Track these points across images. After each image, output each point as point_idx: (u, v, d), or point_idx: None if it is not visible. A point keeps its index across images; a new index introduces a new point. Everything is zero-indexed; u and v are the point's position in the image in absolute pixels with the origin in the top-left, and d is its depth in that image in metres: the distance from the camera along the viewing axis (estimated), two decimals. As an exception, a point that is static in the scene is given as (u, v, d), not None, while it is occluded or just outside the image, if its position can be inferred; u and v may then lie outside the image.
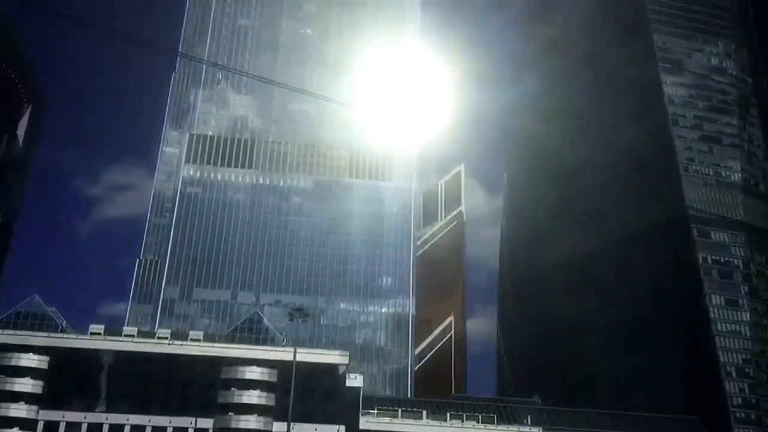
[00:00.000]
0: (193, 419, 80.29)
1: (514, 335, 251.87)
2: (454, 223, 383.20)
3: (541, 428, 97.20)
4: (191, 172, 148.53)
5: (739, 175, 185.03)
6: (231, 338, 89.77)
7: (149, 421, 79.83)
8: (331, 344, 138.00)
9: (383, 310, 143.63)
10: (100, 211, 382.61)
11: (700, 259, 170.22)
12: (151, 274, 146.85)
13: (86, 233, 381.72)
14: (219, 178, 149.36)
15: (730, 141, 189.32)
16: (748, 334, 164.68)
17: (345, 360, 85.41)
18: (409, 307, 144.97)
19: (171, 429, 79.69)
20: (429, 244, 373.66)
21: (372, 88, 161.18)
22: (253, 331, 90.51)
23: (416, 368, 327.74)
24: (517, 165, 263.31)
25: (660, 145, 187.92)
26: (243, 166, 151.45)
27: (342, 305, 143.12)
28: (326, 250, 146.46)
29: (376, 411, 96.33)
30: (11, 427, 77.08)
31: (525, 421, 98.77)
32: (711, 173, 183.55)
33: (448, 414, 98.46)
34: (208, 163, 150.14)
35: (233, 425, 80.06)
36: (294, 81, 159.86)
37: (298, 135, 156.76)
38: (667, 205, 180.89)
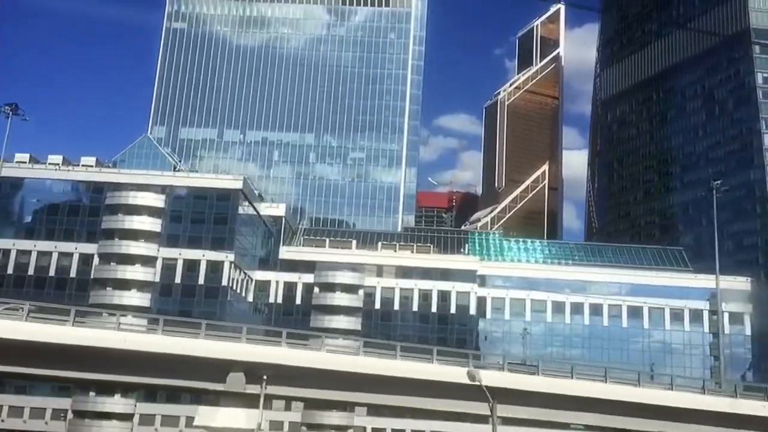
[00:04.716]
0: (78, 244, 78.23)
1: (602, 179, 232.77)
2: (551, 67, 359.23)
3: (478, 257, 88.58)
4: (175, 7, 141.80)
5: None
6: (121, 163, 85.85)
7: (35, 246, 78.70)
8: (315, 179, 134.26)
9: (376, 146, 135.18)
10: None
11: (760, 80, 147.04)
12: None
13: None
14: (205, 11, 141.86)
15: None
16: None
17: (238, 185, 79.47)
18: (404, 141, 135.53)
19: (56, 254, 78.48)
20: (522, 91, 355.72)
21: None
22: (142, 156, 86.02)
23: (510, 213, 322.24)
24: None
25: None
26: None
27: (332, 141, 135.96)
28: (316, 84, 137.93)
29: (303, 240, 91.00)
30: None
31: (463, 250, 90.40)
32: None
33: (379, 244, 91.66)
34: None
35: (116, 250, 77.38)
36: None
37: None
38: (729, 19, 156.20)
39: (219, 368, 32.75)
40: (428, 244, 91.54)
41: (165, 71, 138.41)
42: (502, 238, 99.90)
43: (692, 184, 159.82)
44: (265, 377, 32.67)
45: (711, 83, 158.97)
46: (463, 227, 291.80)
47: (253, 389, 33.03)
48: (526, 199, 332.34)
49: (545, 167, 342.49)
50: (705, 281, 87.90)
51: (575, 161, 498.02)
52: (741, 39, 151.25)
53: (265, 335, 36.94)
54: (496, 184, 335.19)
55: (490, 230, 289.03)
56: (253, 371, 32.49)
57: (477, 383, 31.64)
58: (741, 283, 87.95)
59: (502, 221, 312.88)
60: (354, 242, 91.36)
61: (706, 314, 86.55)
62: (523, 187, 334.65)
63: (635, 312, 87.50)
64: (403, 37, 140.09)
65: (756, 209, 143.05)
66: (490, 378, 33.52)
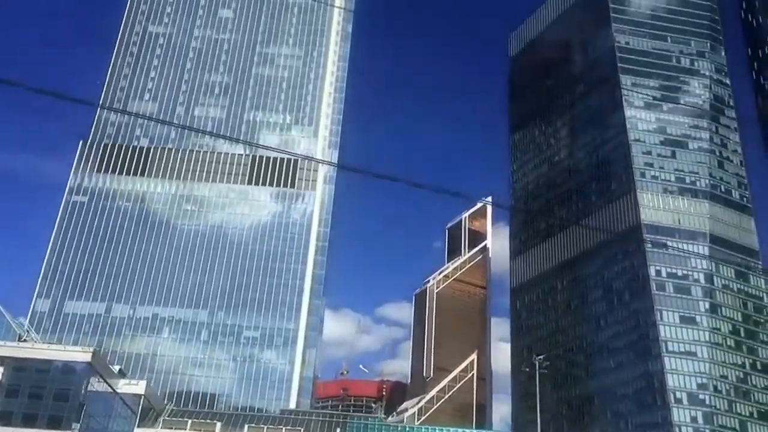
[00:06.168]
0: None
1: (514, 369, 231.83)
2: (479, 258, 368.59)
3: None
4: (78, 181, 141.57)
5: (707, 181, 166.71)
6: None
7: None
8: (206, 358, 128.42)
9: (272, 325, 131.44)
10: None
11: (653, 272, 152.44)
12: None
13: None
14: (108, 186, 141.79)
15: (697, 145, 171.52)
16: (705, 355, 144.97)
17: (87, 358, 74.07)
18: (302, 320, 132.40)
19: None
20: (451, 279, 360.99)
21: (285, 95, 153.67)
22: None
23: (440, 402, 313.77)
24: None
25: (617, 151, 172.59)
26: (135, 174, 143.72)
27: (226, 319, 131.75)
28: (216, 261, 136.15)
29: (162, 421, 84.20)
30: None
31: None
32: (673, 179, 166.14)
33: (246, 426, 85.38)
34: (99, 171, 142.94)
35: (-64, 428, 69.57)
36: (201, 87, 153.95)
37: (200, 141, 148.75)
38: (622, 214, 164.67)
39: None
40: (299, 428, 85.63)
41: (58, 243, 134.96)
42: (382, 424, 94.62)
43: (596, 375, 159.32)
44: None
45: (609, 274, 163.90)
46: (390, 418, 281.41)
47: None
48: (454, 389, 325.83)
49: (474, 357, 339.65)
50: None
51: (507, 352, 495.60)
52: (633, 233, 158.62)
53: None
54: (424, 373, 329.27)
55: (416, 421, 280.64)
56: None
57: None
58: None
59: (429, 411, 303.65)
60: (218, 424, 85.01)
61: None
62: (451, 376, 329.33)
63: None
64: (306, 217, 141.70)
65: (656, 401, 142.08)
66: None
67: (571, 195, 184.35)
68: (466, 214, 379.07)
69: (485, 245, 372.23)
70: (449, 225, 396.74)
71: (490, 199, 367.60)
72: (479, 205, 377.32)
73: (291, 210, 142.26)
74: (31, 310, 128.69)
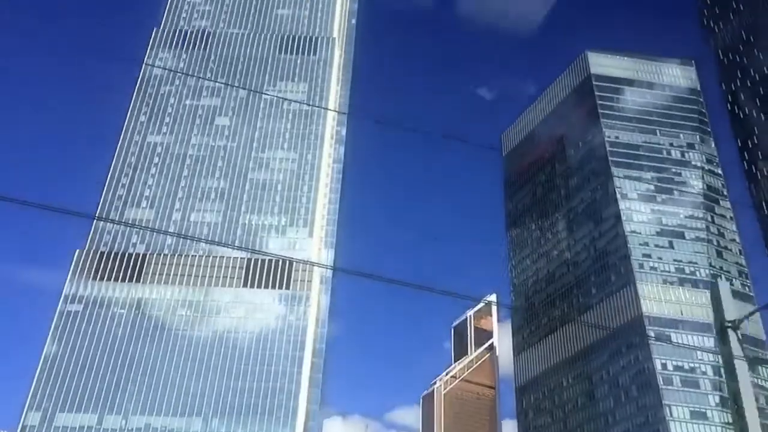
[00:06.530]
0: None
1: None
2: (486, 357, 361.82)
3: None
4: (74, 290, 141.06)
5: (707, 271, 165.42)
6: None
7: None
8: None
9: (267, 431, 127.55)
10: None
11: (659, 366, 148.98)
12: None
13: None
14: (103, 293, 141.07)
15: (694, 235, 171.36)
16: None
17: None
18: (298, 426, 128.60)
19: None
20: (458, 380, 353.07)
21: (280, 198, 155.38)
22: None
23: None
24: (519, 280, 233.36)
25: (614, 243, 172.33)
26: (131, 281, 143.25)
27: (221, 428, 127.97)
28: (210, 366, 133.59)
29: None
30: None
31: None
32: (672, 270, 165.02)
33: None
34: (94, 279, 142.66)
35: None
36: (198, 192, 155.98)
37: (196, 246, 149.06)
38: (624, 307, 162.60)
39: None
40: None
41: (51, 353, 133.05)
42: None
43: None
44: None
45: (615, 369, 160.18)
46: None
47: None
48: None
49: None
50: None
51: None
52: (636, 326, 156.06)
53: None
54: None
55: None
56: None
57: None
58: None
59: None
60: None
61: None
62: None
63: None
64: (302, 319, 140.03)
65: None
66: None
67: (572, 289, 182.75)
68: (470, 313, 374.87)
69: (492, 343, 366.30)
70: (455, 324, 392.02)
71: (492, 297, 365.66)
72: (482, 303, 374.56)
73: (288, 312, 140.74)
74: (21, 424, 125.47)
